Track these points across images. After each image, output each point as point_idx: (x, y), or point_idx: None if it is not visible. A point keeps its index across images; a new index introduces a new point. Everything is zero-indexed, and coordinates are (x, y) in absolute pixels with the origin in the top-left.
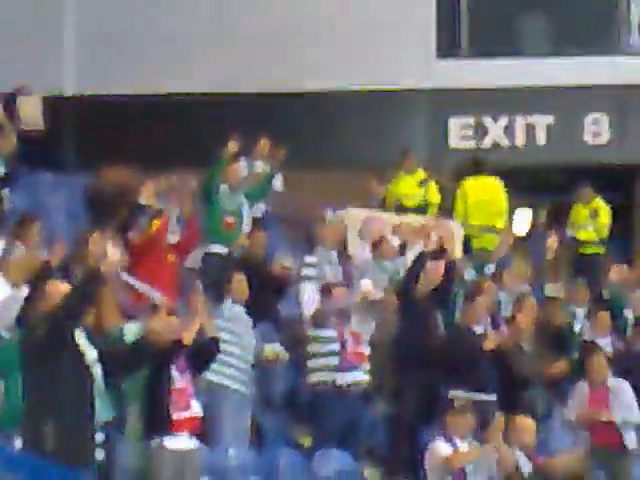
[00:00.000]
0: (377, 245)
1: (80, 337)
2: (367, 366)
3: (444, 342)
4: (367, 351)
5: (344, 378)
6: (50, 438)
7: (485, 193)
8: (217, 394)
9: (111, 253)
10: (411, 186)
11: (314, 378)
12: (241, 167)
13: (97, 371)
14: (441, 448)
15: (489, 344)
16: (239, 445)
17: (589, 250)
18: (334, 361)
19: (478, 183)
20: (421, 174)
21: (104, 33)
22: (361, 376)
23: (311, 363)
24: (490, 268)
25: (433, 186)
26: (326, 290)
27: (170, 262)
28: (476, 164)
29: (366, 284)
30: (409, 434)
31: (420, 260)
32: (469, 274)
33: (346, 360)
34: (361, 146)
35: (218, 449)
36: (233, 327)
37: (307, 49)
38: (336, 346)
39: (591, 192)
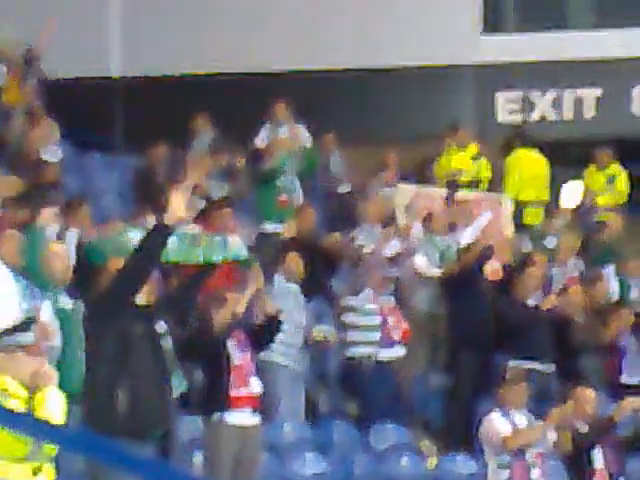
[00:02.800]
0: (427, 221)
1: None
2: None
3: (499, 312)
4: (407, 326)
5: (385, 353)
6: (123, 405)
7: (533, 167)
8: (269, 371)
9: (177, 205)
10: (464, 161)
11: (355, 352)
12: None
13: (168, 343)
14: (496, 421)
15: (547, 304)
16: (294, 421)
17: (604, 218)
18: (375, 336)
19: (526, 156)
20: (473, 149)
21: (150, 11)
22: (401, 351)
23: (351, 336)
24: (551, 241)
25: (484, 161)
26: (363, 262)
27: None
28: (522, 137)
29: (420, 260)
30: (464, 406)
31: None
32: (526, 247)
33: (387, 335)
34: (409, 122)
35: (274, 425)
36: (283, 304)
37: (352, 26)
38: (378, 319)
39: (609, 156)
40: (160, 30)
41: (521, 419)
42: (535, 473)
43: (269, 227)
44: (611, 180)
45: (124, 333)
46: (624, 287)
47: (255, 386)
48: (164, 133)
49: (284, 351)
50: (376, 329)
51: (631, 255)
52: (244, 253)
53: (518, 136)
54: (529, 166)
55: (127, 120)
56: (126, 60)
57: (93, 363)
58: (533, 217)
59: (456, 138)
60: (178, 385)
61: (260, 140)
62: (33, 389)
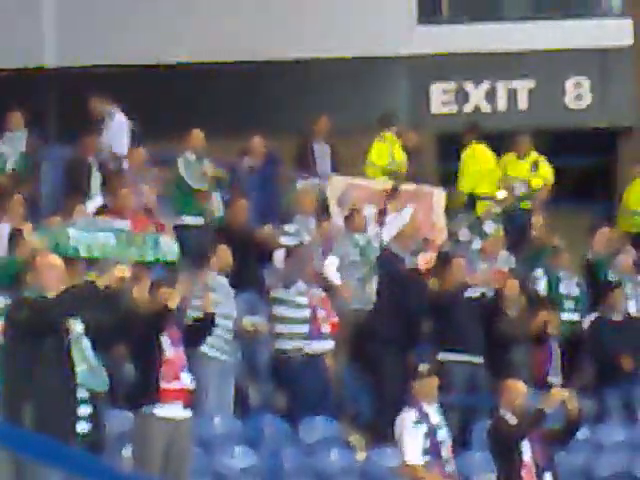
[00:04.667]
0: (349, 217)
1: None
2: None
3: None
4: (336, 319)
5: (314, 346)
6: (29, 418)
7: (487, 161)
8: (198, 363)
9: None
10: (399, 152)
11: (284, 345)
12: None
13: (85, 344)
14: (408, 416)
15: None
16: (224, 414)
17: (524, 205)
18: (304, 328)
19: (481, 151)
20: (396, 141)
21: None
22: (330, 344)
23: (280, 328)
24: (489, 227)
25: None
26: (295, 254)
27: None
28: (476, 131)
29: (330, 263)
30: (392, 400)
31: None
32: (464, 235)
33: (317, 328)
34: (344, 114)
35: (203, 418)
36: (216, 298)
37: (290, 17)
38: (307, 312)
39: (528, 143)
40: (93, 19)
41: (434, 415)
42: (450, 467)
43: (188, 219)
44: (534, 167)
45: (35, 347)
46: (552, 281)
47: (186, 380)
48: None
49: (213, 343)
50: (306, 322)
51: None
52: (175, 253)
53: (472, 130)
54: (484, 161)
55: (60, 110)
56: (60, 50)
57: (6, 375)
58: (482, 210)
59: (393, 130)
60: (100, 384)
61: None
62: None
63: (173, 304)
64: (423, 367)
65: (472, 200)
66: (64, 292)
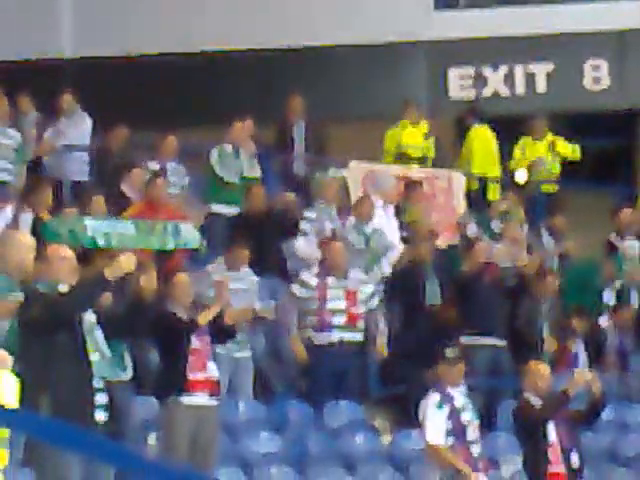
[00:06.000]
0: (357, 204)
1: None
2: (359, 325)
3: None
4: (360, 310)
5: (322, 338)
6: (46, 409)
7: (490, 144)
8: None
9: (127, 262)
10: (416, 137)
11: (312, 334)
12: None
13: (98, 335)
14: (432, 398)
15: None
16: (248, 400)
17: (545, 188)
18: (311, 320)
19: (483, 133)
20: (425, 126)
21: None
22: (349, 335)
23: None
24: (496, 225)
25: (432, 140)
26: (323, 245)
27: None
28: (476, 115)
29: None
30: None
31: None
32: (471, 230)
33: (323, 319)
34: (361, 99)
35: (228, 404)
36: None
37: (307, 3)
38: (314, 304)
39: (544, 126)
40: (112, 9)
41: (459, 398)
42: (476, 449)
43: (217, 208)
44: (551, 148)
45: (49, 340)
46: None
47: (213, 370)
48: (123, 115)
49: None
50: (311, 313)
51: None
52: (196, 240)
53: (472, 113)
54: (487, 143)
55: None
56: (79, 40)
57: (22, 367)
58: (494, 193)
59: (408, 114)
60: (116, 373)
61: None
62: None
63: (204, 321)
64: (450, 352)
65: (483, 184)
66: (77, 286)
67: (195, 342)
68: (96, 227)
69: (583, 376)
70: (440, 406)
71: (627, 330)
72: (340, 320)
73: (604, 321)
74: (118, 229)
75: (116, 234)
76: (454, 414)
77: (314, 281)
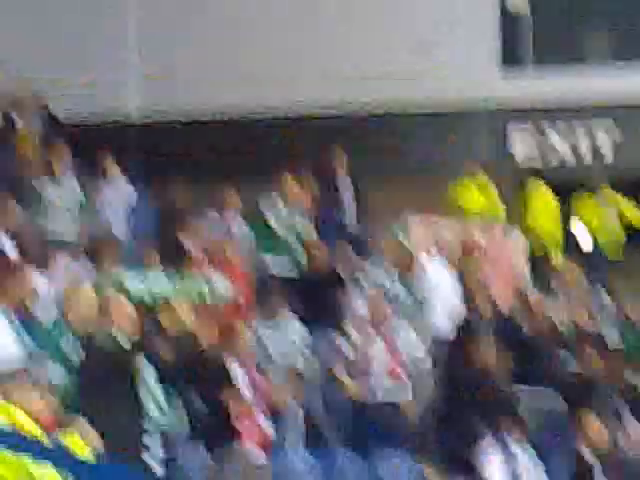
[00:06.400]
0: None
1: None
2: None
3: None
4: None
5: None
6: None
7: (551, 204)
8: None
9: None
10: (476, 198)
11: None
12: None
13: (154, 385)
14: (493, 452)
15: None
16: (300, 450)
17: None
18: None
19: (544, 194)
20: (484, 181)
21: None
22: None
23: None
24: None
25: (495, 196)
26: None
27: None
28: (537, 175)
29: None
30: (466, 435)
31: None
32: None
33: (364, 375)
34: (428, 164)
35: (277, 454)
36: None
37: (363, 64)
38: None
39: (607, 186)
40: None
41: (517, 449)
42: None
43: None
44: (618, 213)
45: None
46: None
47: (261, 420)
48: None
49: None
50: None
51: None
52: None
53: (534, 174)
54: (549, 205)
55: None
56: (145, 102)
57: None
58: (556, 257)
59: (471, 176)
60: (173, 425)
61: None
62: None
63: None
64: (522, 406)
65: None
66: (139, 340)
67: (247, 398)
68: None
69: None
70: (495, 452)
71: None
72: (382, 376)
73: None
74: (151, 281)
75: (153, 287)
76: (509, 464)
77: (357, 337)
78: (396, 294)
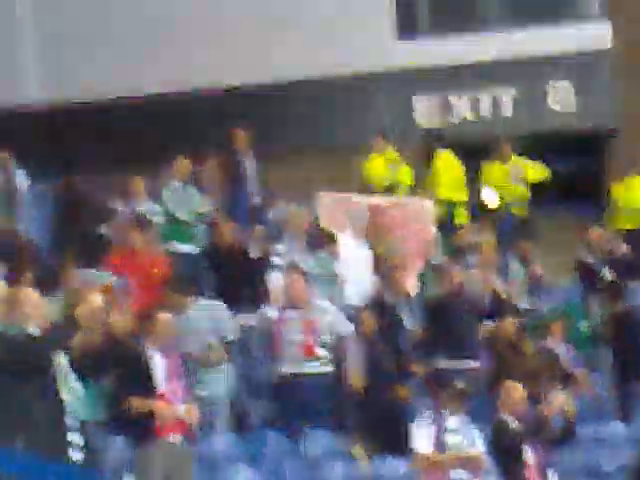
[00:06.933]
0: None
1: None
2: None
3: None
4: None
5: (281, 370)
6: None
7: (456, 169)
8: None
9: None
10: (379, 167)
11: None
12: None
13: (70, 375)
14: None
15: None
16: (224, 433)
17: (515, 210)
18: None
19: (449, 159)
20: (392, 155)
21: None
22: (309, 366)
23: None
24: (471, 259)
25: (404, 167)
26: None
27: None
28: (441, 140)
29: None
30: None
31: None
32: (435, 258)
33: (280, 352)
34: (330, 131)
35: (204, 438)
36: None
37: (273, 36)
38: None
39: (510, 149)
40: (76, 53)
41: (453, 422)
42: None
43: (178, 247)
44: (517, 170)
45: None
46: None
47: (182, 413)
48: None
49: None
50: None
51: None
52: None
53: (437, 139)
54: (453, 168)
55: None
56: (43, 85)
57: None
58: (462, 218)
59: (374, 144)
60: (89, 413)
61: None
62: None
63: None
64: (459, 384)
65: (451, 209)
66: (48, 329)
67: (163, 385)
68: None
69: (558, 399)
70: (429, 423)
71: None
72: (296, 352)
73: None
74: None
75: None
76: (441, 433)
77: (274, 314)
78: (311, 271)
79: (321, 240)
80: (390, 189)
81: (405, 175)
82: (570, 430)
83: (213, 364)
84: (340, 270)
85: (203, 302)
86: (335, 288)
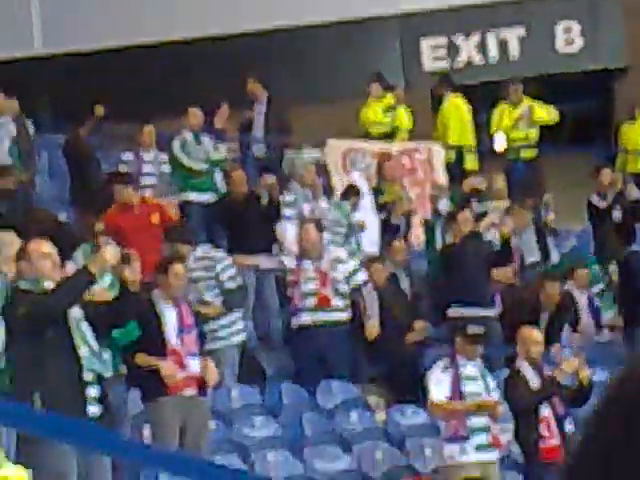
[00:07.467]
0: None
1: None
2: (336, 305)
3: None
4: (333, 292)
5: (295, 321)
6: (39, 405)
7: (464, 113)
8: None
9: (109, 255)
10: (377, 113)
11: (298, 318)
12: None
13: (85, 327)
14: (439, 363)
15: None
16: (241, 385)
17: (525, 154)
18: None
19: (457, 103)
20: (389, 100)
21: None
22: (323, 316)
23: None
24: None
25: (402, 111)
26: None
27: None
28: (449, 84)
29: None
30: (408, 359)
31: None
32: (442, 204)
33: (294, 302)
34: (336, 78)
35: (221, 391)
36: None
37: None
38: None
39: (519, 90)
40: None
41: (469, 369)
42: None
43: (191, 196)
44: (527, 113)
45: (37, 337)
46: None
47: (194, 367)
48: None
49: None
50: (315, 294)
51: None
52: None
53: (445, 83)
54: (461, 112)
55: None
56: (48, 34)
57: (15, 365)
58: (471, 163)
59: (371, 90)
60: (105, 367)
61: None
62: None
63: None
64: (473, 329)
65: (459, 154)
66: (62, 282)
67: (173, 340)
68: None
69: (571, 364)
70: (444, 370)
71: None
72: (311, 302)
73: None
74: None
75: None
76: (456, 380)
77: (292, 264)
78: (326, 220)
79: (347, 192)
80: (390, 135)
81: (403, 119)
82: (584, 392)
83: (207, 318)
84: (358, 220)
85: (199, 251)
86: (352, 238)
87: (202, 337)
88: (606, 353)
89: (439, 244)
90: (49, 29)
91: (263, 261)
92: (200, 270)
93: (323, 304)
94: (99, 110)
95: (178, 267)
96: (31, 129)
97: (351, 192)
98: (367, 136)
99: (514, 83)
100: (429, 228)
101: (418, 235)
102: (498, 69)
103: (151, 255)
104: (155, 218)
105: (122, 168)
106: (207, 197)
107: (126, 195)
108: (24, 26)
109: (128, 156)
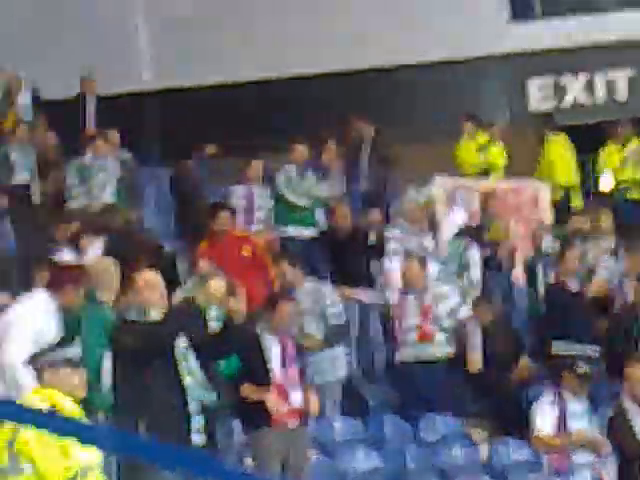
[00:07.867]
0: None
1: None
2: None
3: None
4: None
5: (399, 356)
6: (144, 433)
7: (569, 152)
8: None
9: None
10: (469, 151)
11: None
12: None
13: (190, 357)
14: (544, 397)
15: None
16: (344, 417)
17: (632, 195)
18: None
19: (562, 142)
20: (482, 139)
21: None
22: (427, 351)
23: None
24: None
25: (496, 149)
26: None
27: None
28: (552, 124)
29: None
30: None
31: None
32: (545, 242)
33: (396, 337)
34: (442, 116)
35: (324, 422)
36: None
37: (377, 20)
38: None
39: (627, 131)
40: (187, 39)
41: (574, 406)
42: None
43: (291, 231)
44: (635, 154)
45: (144, 367)
46: None
47: (297, 400)
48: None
49: None
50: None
51: None
52: None
53: (549, 123)
54: (567, 152)
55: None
56: (156, 71)
57: (119, 394)
58: (579, 202)
59: (464, 129)
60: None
61: None
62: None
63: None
64: (583, 368)
65: (566, 194)
66: (169, 313)
67: (277, 373)
68: None
69: None
70: (551, 405)
71: None
72: (413, 336)
73: None
74: None
75: None
76: (563, 416)
77: (395, 299)
78: (424, 254)
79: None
80: (484, 172)
81: (497, 157)
82: None
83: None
84: (469, 259)
85: (308, 284)
86: (463, 275)
87: (304, 369)
88: None
89: (541, 282)
90: (157, 64)
91: (367, 295)
92: (307, 303)
93: (425, 338)
94: (211, 149)
95: (288, 305)
96: (133, 162)
97: (463, 230)
98: (463, 174)
99: (623, 124)
100: (531, 266)
101: (521, 272)
102: (605, 110)
103: (252, 289)
104: (247, 250)
105: (230, 201)
106: (308, 232)
107: (217, 226)
108: (133, 61)
109: (236, 190)
